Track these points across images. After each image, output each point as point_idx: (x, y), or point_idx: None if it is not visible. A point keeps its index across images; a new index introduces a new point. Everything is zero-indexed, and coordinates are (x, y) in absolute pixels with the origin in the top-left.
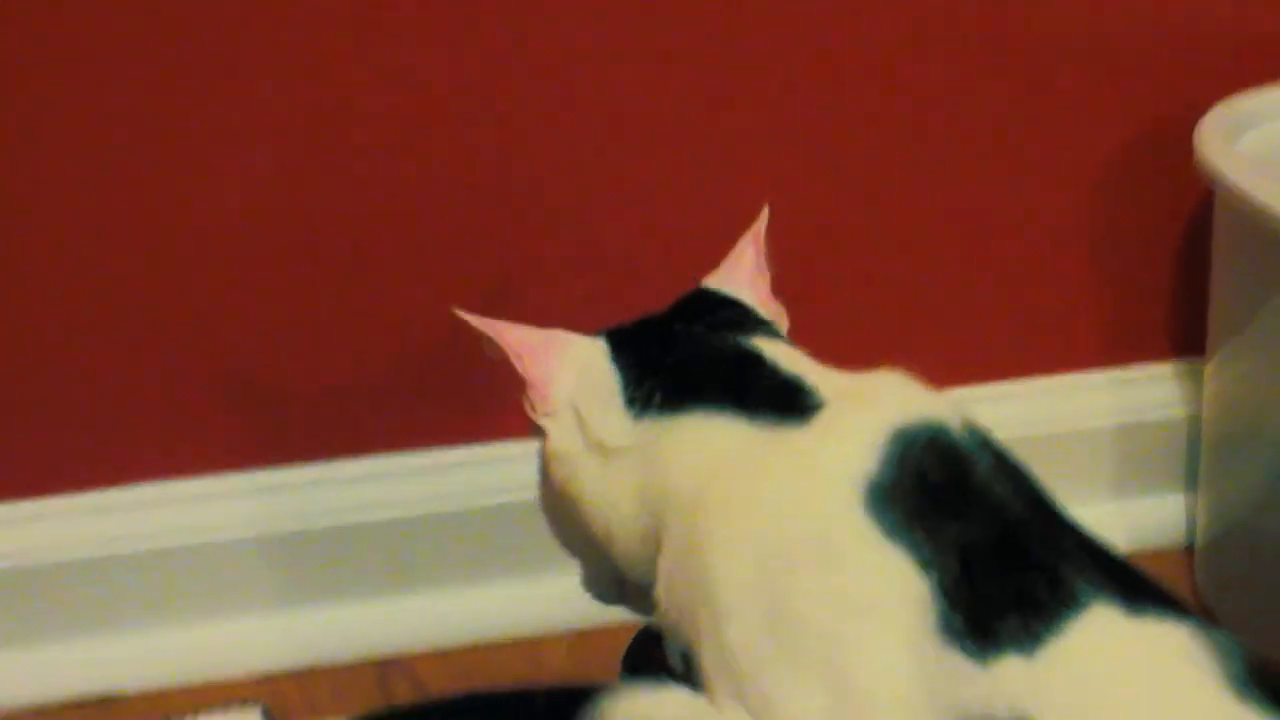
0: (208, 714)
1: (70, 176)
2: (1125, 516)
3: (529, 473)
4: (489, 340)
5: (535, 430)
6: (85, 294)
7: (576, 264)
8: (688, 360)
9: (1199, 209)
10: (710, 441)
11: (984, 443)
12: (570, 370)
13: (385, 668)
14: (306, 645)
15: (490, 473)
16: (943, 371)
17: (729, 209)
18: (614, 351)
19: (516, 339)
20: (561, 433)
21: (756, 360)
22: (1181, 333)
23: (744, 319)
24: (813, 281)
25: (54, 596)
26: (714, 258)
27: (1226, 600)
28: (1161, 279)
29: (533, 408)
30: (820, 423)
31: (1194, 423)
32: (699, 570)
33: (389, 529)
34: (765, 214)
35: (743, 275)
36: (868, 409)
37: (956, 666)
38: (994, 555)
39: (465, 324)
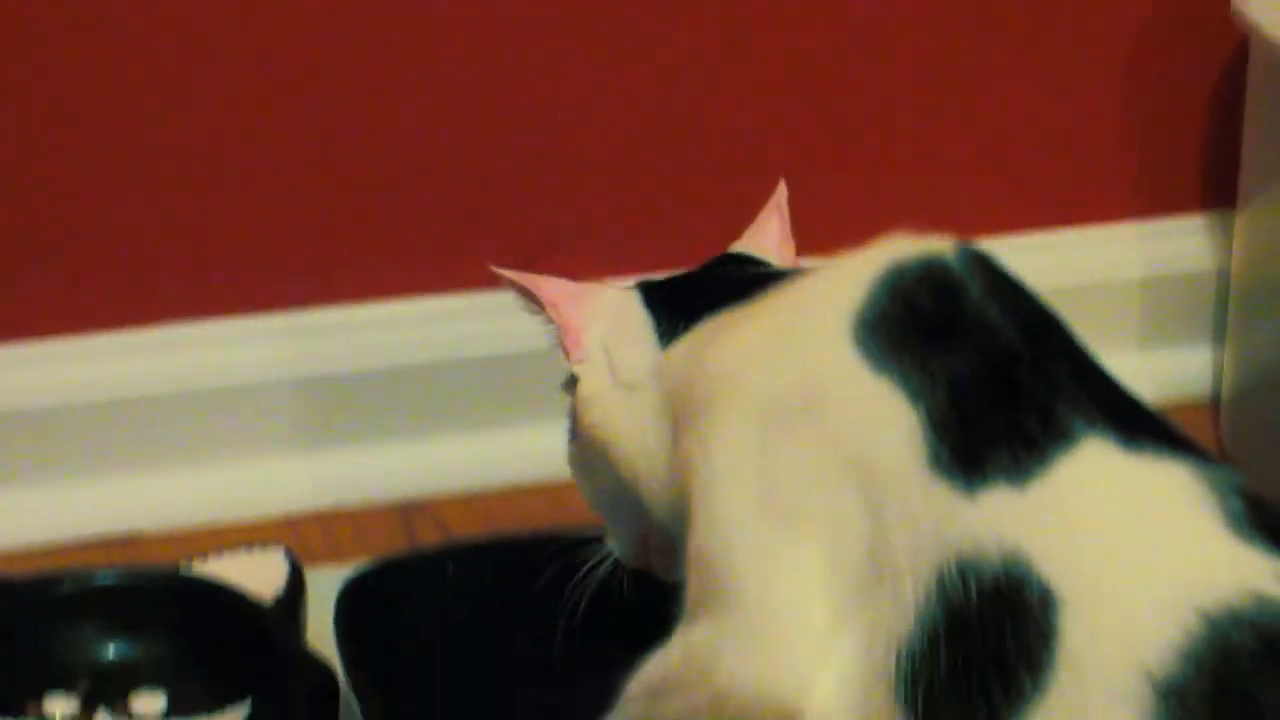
0: (230, 554)
1: (100, 16)
2: (1152, 369)
3: None
4: (525, 294)
5: (567, 384)
6: (112, 132)
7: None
8: (711, 290)
9: (1233, 59)
10: (714, 326)
11: (981, 270)
12: (603, 317)
13: (409, 511)
14: (330, 487)
15: (519, 318)
16: (971, 222)
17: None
18: (646, 298)
19: (551, 289)
20: (592, 376)
21: (776, 274)
22: (1212, 185)
23: (771, 270)
24: (837, 126)
25: (77, 436)
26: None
27: (1251, 452)
28: (1194, 130)
29: (566, 355)
30: (814, 272)
31: (1223, 275)
32: (700, 433)
33: (415, 372)
34: (783, 186)
35: (770, 242)
36: (861, 254)
37: (944, 500)
38: (984, 386)
39: (502, 279)
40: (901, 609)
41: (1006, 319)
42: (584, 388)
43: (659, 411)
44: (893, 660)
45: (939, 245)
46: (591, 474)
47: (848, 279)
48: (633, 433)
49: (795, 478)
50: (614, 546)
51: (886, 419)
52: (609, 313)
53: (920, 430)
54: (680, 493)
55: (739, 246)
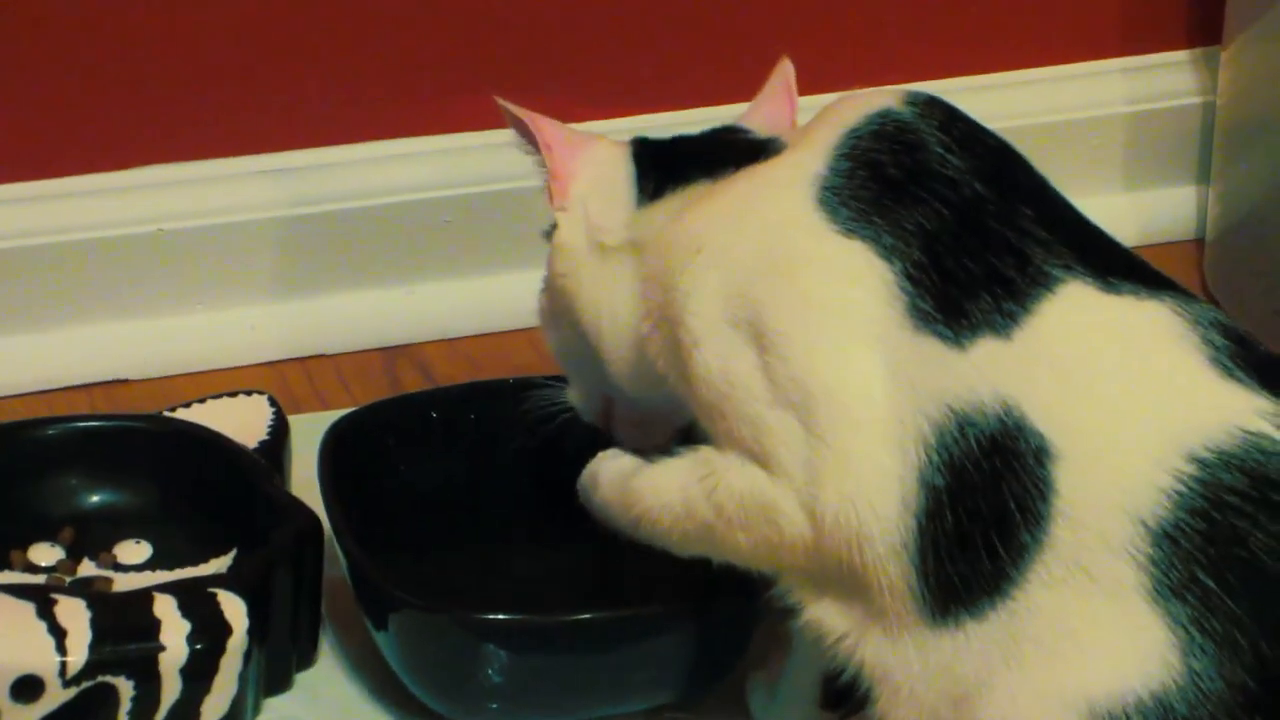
0: (214, 401)
1: None
2: (1136, 208)
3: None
4: (524, 130)
5: (548, 230)
6: None
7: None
8: (700, 156)
9: None
10: (687, 197)
11: (935, 117)
12: (592, 168)
13: (392, 356)
14: (313, 332)
15: (504, 159)
16: (954, 60)
17: None
18: (637, 155)
19: (551, 131)
20: (570, 227)
21: (768, 143)
22: (1198, 19)
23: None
24: None
25: (60, 280)
26: None
27: (1235, 290)
28: None
29: (550, 199)
30: (781, 152)
31: (1208, 112)
32: (674, 309)
33: (398, 214)
34: (788, 63)
35: (774, 118)
36: (817, 126)
37: (934, 352)
38: (957, 236)
39: (504, 111)
40: (909, 470)
41: (967, 165)
42: (560, 235)
43: (630, 273)
44: (907, 525)
45: (886, 100)
46: (557, 325)
47: (803, 153)
48: (600, 291)
49: (783, 355)
50: (574, 401)
51: (860, 277)
52: (598, 164)
53: (898, 285)
54: (649, 358)
55: (744, 121)
